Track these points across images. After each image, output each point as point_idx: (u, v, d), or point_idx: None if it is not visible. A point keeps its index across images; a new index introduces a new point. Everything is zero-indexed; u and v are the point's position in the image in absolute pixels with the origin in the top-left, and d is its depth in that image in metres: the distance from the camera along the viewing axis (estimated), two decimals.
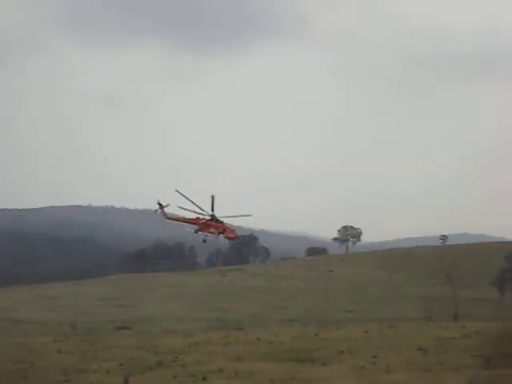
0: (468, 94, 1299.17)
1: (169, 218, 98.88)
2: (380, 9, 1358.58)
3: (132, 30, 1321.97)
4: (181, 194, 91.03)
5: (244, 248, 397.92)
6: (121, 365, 74.07)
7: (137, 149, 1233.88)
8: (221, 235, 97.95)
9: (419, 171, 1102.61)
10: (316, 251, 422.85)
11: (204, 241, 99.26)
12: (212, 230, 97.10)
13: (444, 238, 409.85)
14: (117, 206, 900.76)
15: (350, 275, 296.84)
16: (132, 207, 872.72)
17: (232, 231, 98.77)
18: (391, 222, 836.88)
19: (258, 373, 66.74)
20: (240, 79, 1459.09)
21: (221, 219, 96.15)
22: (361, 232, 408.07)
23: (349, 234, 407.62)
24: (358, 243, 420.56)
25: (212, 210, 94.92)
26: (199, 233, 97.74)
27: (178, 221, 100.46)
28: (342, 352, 78.15)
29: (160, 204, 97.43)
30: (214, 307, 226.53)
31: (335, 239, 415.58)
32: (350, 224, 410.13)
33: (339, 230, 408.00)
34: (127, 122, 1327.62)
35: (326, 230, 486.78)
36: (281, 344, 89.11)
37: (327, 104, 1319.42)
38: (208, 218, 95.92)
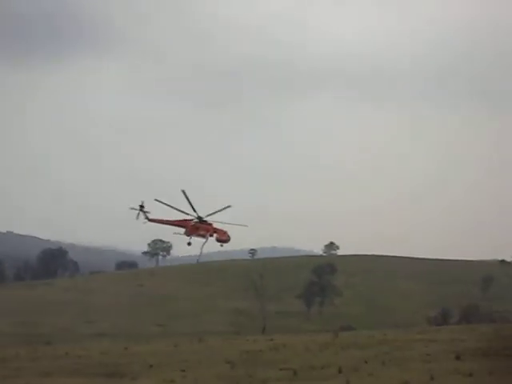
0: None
1: (152, 220, 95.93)
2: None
3: None
4: (161, 202, 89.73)
5: (52, 262, 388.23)
6: None
7: None
8: (210, 238, 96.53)
9: None
10: (126, 265, 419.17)
11: (189, 244, 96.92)
12: (202, 232, 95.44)
13: (253, 251, 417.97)
14: None
15: (160, 289, 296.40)
16: None
17: (224, 233, 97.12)
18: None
19: None
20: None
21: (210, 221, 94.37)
22: (171, 246, 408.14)
23: (158, 247, 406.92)
24: (169, 257, 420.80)
25: (193, 209, 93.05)
26: (189, 235, 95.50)
27: (163, 223, 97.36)
28: (151, 366, 77.90)
29: (141, 206, 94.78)
30: (21, 322, 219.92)
31: (145, 253, 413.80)
32: (160, 238, 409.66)
33: (149, 244, 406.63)
34: None
35: (136, 244, 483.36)
36: (90, 359, 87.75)
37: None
38: (196, 220, 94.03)
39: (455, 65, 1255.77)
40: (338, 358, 76.17)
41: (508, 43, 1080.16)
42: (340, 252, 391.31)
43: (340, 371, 65.04)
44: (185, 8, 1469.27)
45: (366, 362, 70.60)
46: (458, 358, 69.51)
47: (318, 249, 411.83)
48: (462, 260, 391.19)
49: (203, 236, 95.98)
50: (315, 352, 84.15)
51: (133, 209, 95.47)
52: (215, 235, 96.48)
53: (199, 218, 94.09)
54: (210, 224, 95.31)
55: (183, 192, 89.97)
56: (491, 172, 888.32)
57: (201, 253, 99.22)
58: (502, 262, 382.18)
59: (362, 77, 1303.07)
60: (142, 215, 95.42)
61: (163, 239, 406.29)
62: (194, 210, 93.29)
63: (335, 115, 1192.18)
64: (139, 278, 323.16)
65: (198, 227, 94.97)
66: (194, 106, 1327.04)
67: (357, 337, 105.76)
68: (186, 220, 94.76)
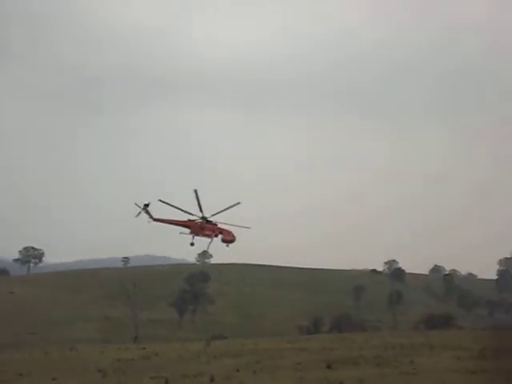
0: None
1: (157, 220, 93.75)
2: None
3: None
4: (165, 202, 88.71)
5: None
6: None
7: None
8: (215, 238, 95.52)
9: None
10: None
11: (192, 244, 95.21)
12: (207, 232, 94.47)
13: (126, 259, 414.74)
14: None
15: (31, 296, 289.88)
16: None
17: (229, 233, 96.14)
18: (76, 244, 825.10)
19: None
20: None
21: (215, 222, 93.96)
22: (42, 253, 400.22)
23: (30, 254, 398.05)
24: (41, 264, 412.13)
25: (200, 209, 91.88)
26: (197, 235, 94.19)
27: (167, 223, 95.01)
28: (21, 375, 76.03)
29: (146, 204, 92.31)
30: None
31: (16, 260, 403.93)
32: (31, 245, 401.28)
33: (20, 251, 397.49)
34: None
35: (7, 250, 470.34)
36: None
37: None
38: (200, 220, 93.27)
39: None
40: (210, 366, 76.27)
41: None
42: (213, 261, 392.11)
43: (212, 380, 65.16)
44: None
45: (238, 371, 71.03)
46: (328, 366, 70.73)
47: (191, 258, 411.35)
48: (334, 269, 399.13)
49: (209, 236, 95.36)
50: (187, 360, 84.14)
51: (136, 205, 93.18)
52: (220, 236, 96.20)
53: (203, 218, 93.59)
54: (215, 224, 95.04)
55: (195, 191, 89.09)
56: (364, 183, 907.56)
57: (207, 252, 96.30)
58: (373, 271, 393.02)
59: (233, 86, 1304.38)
60: (146, 215, 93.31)
61: (35, 246, 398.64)
62: (201, 211, 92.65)
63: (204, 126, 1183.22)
64: (10, 285, 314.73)
65: (203, 227, 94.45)
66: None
67: (229, 345, 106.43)
68: (190, 220, 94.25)
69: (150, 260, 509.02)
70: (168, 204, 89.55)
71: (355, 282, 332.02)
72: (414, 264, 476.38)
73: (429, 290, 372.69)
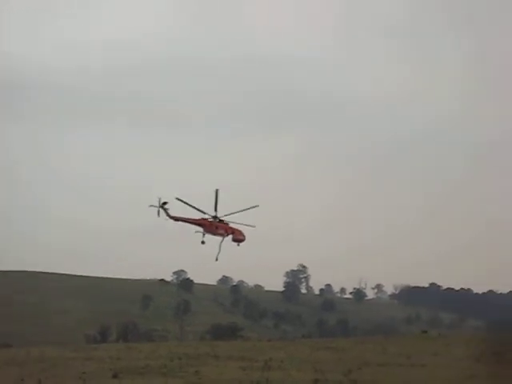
0: None
1: (173, 218, 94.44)
2: None
3: None
4: (181, 200, 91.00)
5: None
6: None
7: None
8: (226, 237, 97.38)
9: None
10: None
11: (203, 242, 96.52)
12: (221, 231, 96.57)
13: None
14: None
15: None
16: None
17: (240, 233, 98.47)
18: None
19: None
20: None
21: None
22: None
23: None
24: None
25: (215, 208, 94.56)
26: (214, 234, 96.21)
27: (183, 221, 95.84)
28: None
29: (163, 203, 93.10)
30: None
31: None
32: None
33: None
34: None
35: None
36: None
37: None
38: (211, 219, 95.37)
39: None
40: None
41: None
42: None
43: None
44: None
45: (23, 380, 69.18)
46: (115, 376, 70.17)
47: None
48: (122, 279, 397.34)
49: (221, 235, 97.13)
50: None
51: (152, 206, 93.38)
52: (232, 235, 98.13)
53: (215, 217, 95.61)
54: (227, 224, 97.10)
55: (216, 191, 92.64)
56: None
57: (219, 251, 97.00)
58: (161, 281, 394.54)
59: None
60: (163, 212, 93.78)
61: None
62: (216, 210, 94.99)
63: None
64: None
65: (217, 226, 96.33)
66: None
67: (14, 354, 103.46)
68: (204, 219, 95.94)
69: None
70: (185, 202, 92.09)
71: (143, 292, 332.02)
72: (203, 275, 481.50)
73: (216, 300, 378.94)
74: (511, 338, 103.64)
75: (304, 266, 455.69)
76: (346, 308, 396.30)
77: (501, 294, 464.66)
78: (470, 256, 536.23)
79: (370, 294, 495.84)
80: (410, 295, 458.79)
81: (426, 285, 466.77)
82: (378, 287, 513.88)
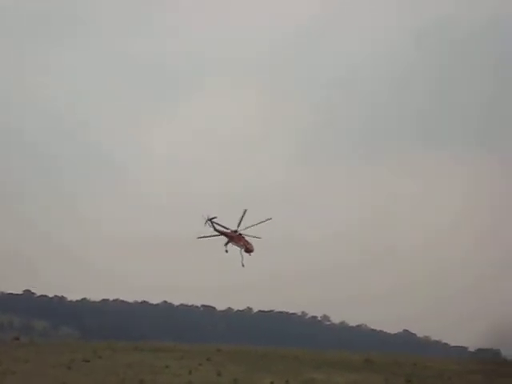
0: None
1: (216, 230, 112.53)
2: None
3: None
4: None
5: None
6: None
7: None
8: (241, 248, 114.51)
9: None
10: None
11: (226, 251, 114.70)
12: (241, 242, 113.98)
13: None
14: None
15: None
16: None
17: (251, 245, 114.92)
18: None
19: None
20: None
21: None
22: None
23: None
24: None
25: (239, 224, 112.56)
26: (226, 244, 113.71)
27: (221, 233, 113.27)
28: None
29: (212, 218, 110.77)
30: None
31: None
32: None
33: None
34: None
35: None
36: None
37: None
38: (233, 233, 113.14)
39: None
40: None
41: None
42: None
43: None
44: None
45: None
46: None
47: None
48: None
49: (241, 246, 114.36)
50: None
51: (203, 217, 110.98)
52: (247, 246, 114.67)
53: (235, 231, 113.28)
54: (243, 236, 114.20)
55: (244, 211, 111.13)
56: None
57: (242, 257, 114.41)
58: None
59: None
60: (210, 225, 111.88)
61: None
62: (238, 225, 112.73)
63: None
64: None
65: (240, 238, 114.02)
66: None
67: None
68: (231, 231, 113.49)
69: None
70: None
71: None
72: None
73: None
74: None
75: None
76: None
77: (94, 301, 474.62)
78: None
79: None
80: (2, 302, 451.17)
81: (20, 292, 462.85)
82: None
